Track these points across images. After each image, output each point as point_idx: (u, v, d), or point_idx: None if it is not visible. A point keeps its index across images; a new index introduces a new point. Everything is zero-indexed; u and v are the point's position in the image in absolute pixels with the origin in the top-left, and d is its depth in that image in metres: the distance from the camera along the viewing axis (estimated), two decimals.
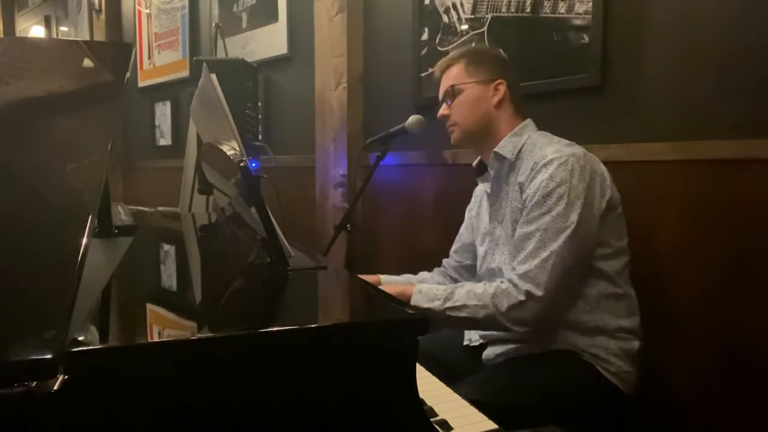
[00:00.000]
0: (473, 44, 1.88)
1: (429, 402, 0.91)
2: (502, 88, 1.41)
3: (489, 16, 1.96)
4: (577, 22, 1.70)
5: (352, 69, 2.46)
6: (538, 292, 1.21)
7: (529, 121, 1.43)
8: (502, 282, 1.27)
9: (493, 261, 1.44)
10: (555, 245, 1.22)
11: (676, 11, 1.51)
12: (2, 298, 0.65)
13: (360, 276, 1.47)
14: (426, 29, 2.17)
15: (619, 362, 1.28)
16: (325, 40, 2.53)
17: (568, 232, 1.22)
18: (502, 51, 1.54)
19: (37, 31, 5.88)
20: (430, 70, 2.15)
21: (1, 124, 0.89)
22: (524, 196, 1.30)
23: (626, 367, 1.29)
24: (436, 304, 1.28)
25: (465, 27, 2.04)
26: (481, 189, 1.56)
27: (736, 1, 1.40)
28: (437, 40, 2.14)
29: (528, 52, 1.84)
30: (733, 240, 1.40)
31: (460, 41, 2.05)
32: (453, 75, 1.45)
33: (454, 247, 1.67)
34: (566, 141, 1.35)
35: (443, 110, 1.47)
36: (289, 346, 0.71)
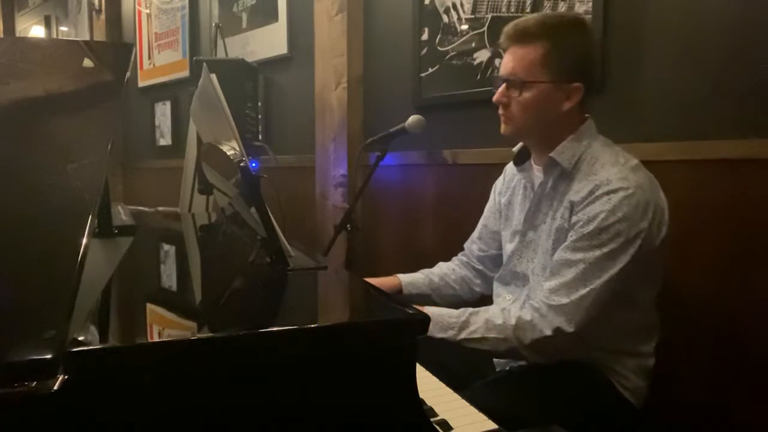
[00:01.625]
0: (559, 11, 1.48)
1: (429, 402, 0.91)
2: (578, 95, 1.21)
3: (489, 16, 1.96)
4: None
5: (352, 69, 2.45)
6: (569, 329, 1.13)
7: (590, 122, 1.27)
8: (523, 309, 1.18)
9: (520, 264, 1.34)
10: (597, 283, 1.12)
11: (676, 11, 1.51)
12: (2, 298, 0.65)
13: (376, 279, 1.45)
14: (426, 29, 2.17)
15: (635, 378, 1.25)
16: (325, 40, 2.53)
17: (614, 271, 1.12)
18: (589, 33, 1.24)
19: (37, 31, 5.87)
20: (431, 70, 2.16)
21: (1, 124, 0.89)
22: (575, 218, 1.17)
23: (641, 383, 1.26)
24: (450, 334, 1.19)
25: (465, 27, 2.04)
26: (518, 176, 1.41)
27: (736, 1, 1.40)
28: (437, 40, 2.13)
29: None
30: (733, 240, 1.40)
31: (460, 41, 2.05)
32: (527, 60, 1.20)
33: (477, 233, 1.54)
34: (627, 156, 1.21)
35: (501, 96, 1.24)
36: (289, 346, 0.71)
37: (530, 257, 1.32)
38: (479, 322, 1.19)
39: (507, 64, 1.24)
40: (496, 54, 1.94)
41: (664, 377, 1.30)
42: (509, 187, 1.44)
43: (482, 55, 1.99)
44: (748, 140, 1.38)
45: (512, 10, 1.89)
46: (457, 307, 1.26)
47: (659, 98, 1.54)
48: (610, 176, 1.15)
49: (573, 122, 1.25)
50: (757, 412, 1.39)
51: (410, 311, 0.81)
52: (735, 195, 1.39)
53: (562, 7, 1.74)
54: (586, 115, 1.27)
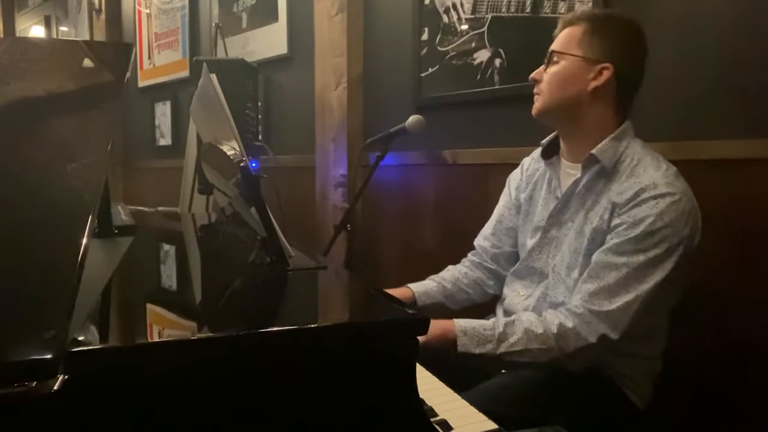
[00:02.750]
0: (607, 11, 1.45)
1: (429, 402, 0.91)
2: (606, 75, 1.20)
3: (489, 16, 1.96)
4: None
5: (352, 69, 2.46)
6: (614, 336, 1.10)
7: (629, 123, 1.25)
8: (561, 314, 1.15)
9: (539, 260, 1.32)
10: (642, 289, 1.10)
11: (676, 11, 1.51)
12: (2, 298, 0.65)
13: (388, 290, 1.40)
14: (426, 29, 2.17)
15: (641, 381, 1.24)
16: (325, 40, 2.53)
17: (659, 278, 1.10)
18: (637, 30, 1.24)
19: (37, 31, 5.87)
20: (431, 70, 2.16)
21: (1, 124, 0.89)
22: (618, 220, 1.14)
23: (646, 385, 1.26)
24: (488, 349, 1.14)
25: (465, 27, 2.04)
26: (541, 170, 1.38)
27: (736, 1, 1.40)
28: (437, 40, 2.13)
29: (528, 52, 1.84)
30: (733, 240, 1.40)
31: (460, 41, 2.05)
32: (566, 37, 1.24)
33: (490, 229, 1.49)
34: (667, 162, 1.20)
35: (537, 73, 1.27)
36: (289, 346, 0.71)
37: (552, 254, 1.29)
38: (519, 333, 1.14)
39: (554, 43, 1.27)
40: (496, 54, 1.94)
41: (664, 377, 1.30)
42: (530, 182, 1.41)
43: (482, 55, 1.99)
44: (748, 140, 1.38)
45: (512, 10, 1.89)
46: (469, 311, 1.23)
47: (659, 98, 1.54)
48: (656, 180, 1.13)
49: (608, 119, 1.23)
50: (760, 413, 1.39)
51: (410, 311, 0.81)
52: (735, 195, 1.39)
53: (561, 8, 1.74)
54: (628, 121, 1.26)
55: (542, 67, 1.27)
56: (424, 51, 2.18)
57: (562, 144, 1.32)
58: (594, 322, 1.11)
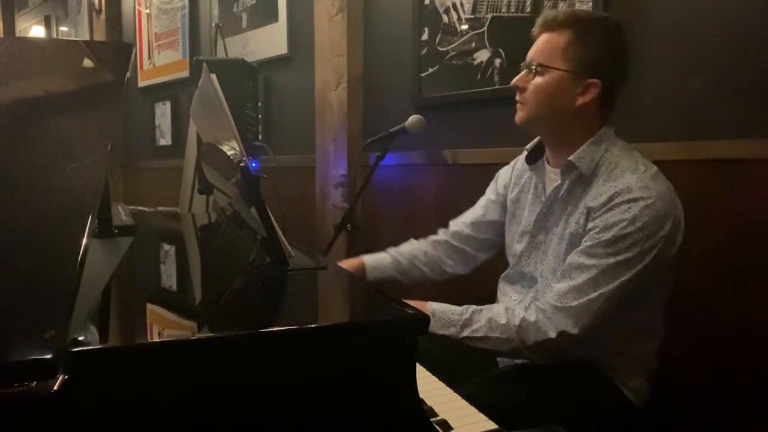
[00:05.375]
0: (589, 13, 1.37)
1: (429, 402, 0.91)
2: (594, 92, 1.19)
3: (489, 16, 1.96)
4: None
5: (352, 69, 2.46)
6: (573, 331, 1.12)
7: (607, 128, 1.24)
8: (528, 310, 1.17)
9: (528, 265, 1.33)
10: (607, 289, 1.12)
11: (676, 11, 1.51)
12: (2, 298, 0.65)
13: (341, 262, 1.44)
14: (426, 29, 2.17)
15: (637, 378, 1.25)
16: (325, 40, 2.53)
17: (626, 278, 1.11)
18: (621, 35, 1.21)
19: (37, 31, 5.87)
20: (431, 70, 2.16)
21: (1, 124, 0.89)
22: (592, 224, 1.16)
23: (643, 383, 1.26)
24: (452, 331, 1.19)
25: (465, 27, 2.04)
26: (529, 173, 1.38)
27: (736, 1, 1.40)
28: (437, 40, 2.13)
29: (528, 52, 1.84)
30: (733, 240, 1.40)
31: (460, 41, 2.05)
32: (550, 44, 1.21)
33: (470, 218, 1.51)
34: (647, 163, 1.19)
35: (520, 80, 1.25)
36: (289, 346, 0.71)
37: (540, 259, 1.31)
38: (482, 321, 1.18)
39: (532, 50, 1.24)
40: (496, 54, 1.94)
41: (663, 377, 1.30)
42: (518, 183, 1.41)
43: (482, 55, 1.98)
44: (748, 140, 1.38)
45: (512, 10, 1.89)
46: (423, 288, 1.24)
47: (659, 98, 1.54)
48: (630, 184, 1.13)
49: (591, 125, 1.23)
50: (758, 412, 1.39)
51: (410, 311, 0.81)
52: (735, 195, 1.39)
53: (561, 8, 1.74)
54: (608, 126, 1.25)
55: (524, 73, 1.24)
56: (424, 51, 2.18)
57: (546, 149, 1.32)
58: (555, 318, 1.13)
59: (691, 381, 1.47)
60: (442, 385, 1.04)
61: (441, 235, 1.56)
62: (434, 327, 1.19)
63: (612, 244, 1.12)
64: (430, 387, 1.03)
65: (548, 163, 1.32)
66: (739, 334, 1.41)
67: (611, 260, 1.12)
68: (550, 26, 1.22)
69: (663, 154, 1.49)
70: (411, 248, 1.56)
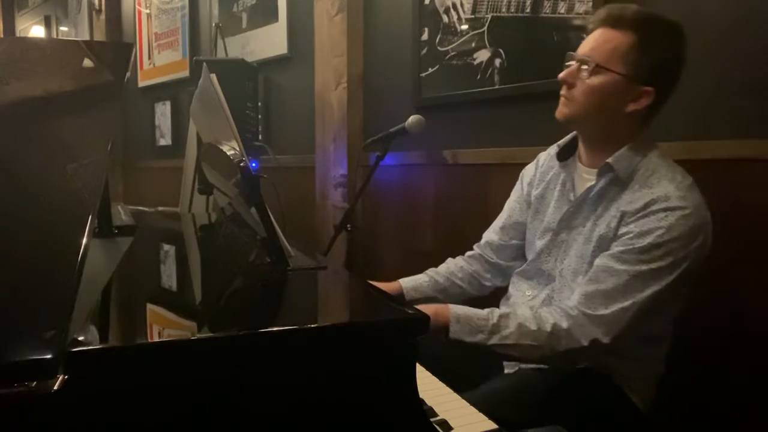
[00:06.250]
0: (655, 15, 1.23)
1: (429, 402, 0.91)
2: (647, 101, 1.15)
3: (489, 16, 1.96)
4: (577, 22, 1.70)
5: (352, 69, 2.46)
6: (605, 340, 1.09)
7: (649, 133, 1.22)
8: (556, 313, 1.13)
9: (548, 263, 1.30)
10: (639, 297, 1.09)
11: (676, 11, 1.50)
12: (2, 298, 0.65)
13: (376, 283, 1.41)
14: (426, 29, 2.17)
15: (644, 384, 1.24)
16: (325, 40, 2.53)
17: (658, 288, 1.09)
18: (684, 43, 1.17)
19: (37, 31, 5.87)
20: (431, 70, 2.16)
21: (1, 124, 0.89)
22: (625, 229, 1.13)
23: (649, 388, 1.25)
24: (480, 338, 1.12)
25: (465, 27, 2.04)
26: (555, 170, 1.34)
27: (736, 1, 1.40)
28: (437, 40, 2.13)
29: (528, 52, 1.84)
30: (733, 240, 1.40)
31: (460, 41, 2.05)
32: (611, 44, 1.14)
33: (501, 222, 1.46)
34: (684, 173, 1.17)
35: (570, 75, 1.19)
36: (289, 346, 0.71)
37: (560, 257, 1.28)
38: (512, 327, 1.12)
39: (588, 43, 1.18)
40: (496, 54, 1.94)
41: (667, 380, 1.30)
42: (543, 180, 1.37)
43: (482, 55, 1.98)
44: (748, 140, 1.38)
45: (512, 10, 1.89)
46: (465, 304, 1.22)
47: None
48: (668, 192, 1.11)
49: (634, 129, 1.20)
50: (761, 414, 1.39)
51: (410, 311, 0.81)
52: (735, 195, 1.39)
53: (561, 8, 1.74)
54: (649, 130, 1.23)
55: (574, 68, 1.19)
56: (424, 51, 2.18)
57: (581, 147, 1.29)
58: (587, 326, 1.10)
59: (691, 383, 1.47)
60: (442, 385, 1.04)
61: (475, 249, 1.52)
62: (460, 334, 1.12)
63: (646, 251, 1.09)
64: (430, 387, 1.03)
65: (580, 161, 1.29)
66: (739, 335, 1.41)
67: (643, 267, 1.09)
68: (615, 23, 1.15)
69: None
70: (447, 266, 1.52)
